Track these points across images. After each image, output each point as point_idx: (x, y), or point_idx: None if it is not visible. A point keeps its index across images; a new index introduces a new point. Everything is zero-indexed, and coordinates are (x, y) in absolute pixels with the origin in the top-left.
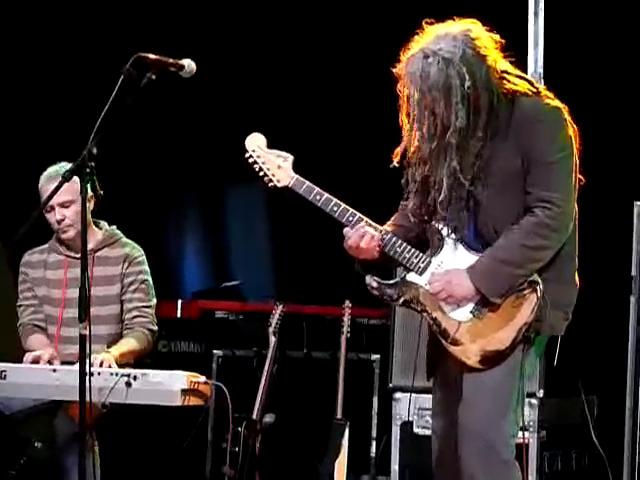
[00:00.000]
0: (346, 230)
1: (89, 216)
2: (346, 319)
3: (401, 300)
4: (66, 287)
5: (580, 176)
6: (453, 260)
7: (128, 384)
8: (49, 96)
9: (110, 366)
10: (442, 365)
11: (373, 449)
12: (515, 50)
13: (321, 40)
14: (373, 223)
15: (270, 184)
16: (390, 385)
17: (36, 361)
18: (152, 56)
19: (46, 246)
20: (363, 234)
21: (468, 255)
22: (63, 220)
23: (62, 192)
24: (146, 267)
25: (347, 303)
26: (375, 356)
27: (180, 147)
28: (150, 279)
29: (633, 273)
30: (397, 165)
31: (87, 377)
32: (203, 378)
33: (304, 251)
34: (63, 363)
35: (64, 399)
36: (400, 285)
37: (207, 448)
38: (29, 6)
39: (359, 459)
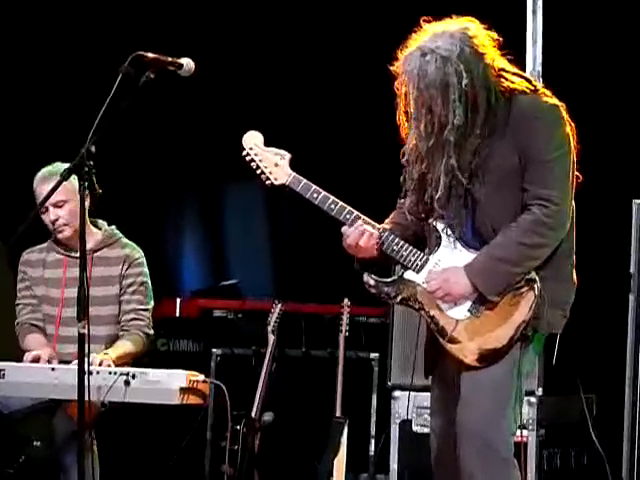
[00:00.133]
0: (344, 228)
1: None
2: (345, 317)
3: (399, 298)
4: (65, 286)
5: (577, 174)
6: (450, 258)
7: (127, 383)
8: (48, 95)
9: (109, 366)
10: (440, 363)
11: (372, 447)
12: (513, 48)
13: (319, 38)
14: (370, 221)
15: (267, 182)
16: (389, 383)
17: (36, 360)
18: (150, 55)
19: (45, 245)
20: (362, 232)
21: (466, 253)
22: (57, 220)
23: (55, 192)
24: (145, 269)
25: (346, 301)
26: (374, 354)
27: (179, 146)
28: (149, 281)
29: (632, 271)
30: (406, 165)
31: (86, 376)
32: (202, 377)
33: (303, 249)
34: (61, 363)
35: (63, 398)
36: (398, 283)
37: (206, 447)
38: (27, 5)
39: (358, 457)
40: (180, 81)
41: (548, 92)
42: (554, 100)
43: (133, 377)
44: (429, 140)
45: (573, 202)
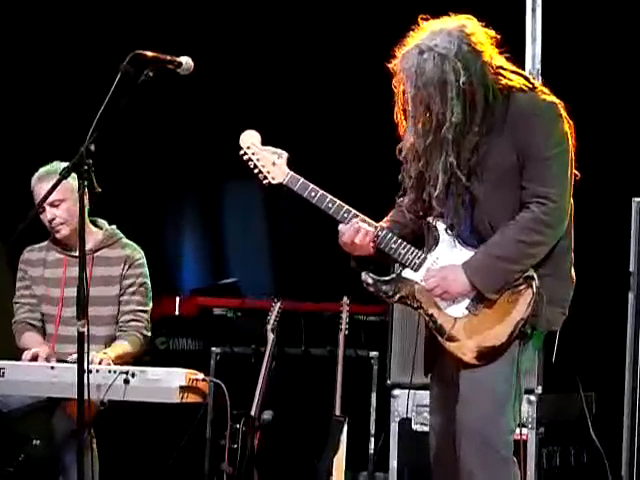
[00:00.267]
0: (341, 226)
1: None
2: (344, 316)
3: (397, 297)
4: (65, 286)
5: (575, 171)
6: (449, 256)
7: (126, 381)
8: (47, 94)
9: (109, 365)
10: (439, 362)
11: (372, 446)
12: (513, 46)
13: (316, 36)
14: (368, 219)
15: (265, 181)
16: (388, 382)
17: (34, 358)
18: (150, 53)
19: (45, 244)
20: (357, 230)
21: (464, 251)
22: (54, 219)
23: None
24: (146, 270)
25: (345, 300)
26: (373, 353)
27: (178, 144)
28: (149, 282)
29: (631, 269)
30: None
31: (85, 374)
32: (201, 375)
33: (302, 248)
34: (61, 362)
35: (62, 396)
36: (396, 281)
37: (205, 445)
38: (27, 4)
39: (358, 456)
40: (179, 80)
41: (546, 90)
42: (552, 98)
43: (132, 376)
44: (427, 138)
45: (572, 200)
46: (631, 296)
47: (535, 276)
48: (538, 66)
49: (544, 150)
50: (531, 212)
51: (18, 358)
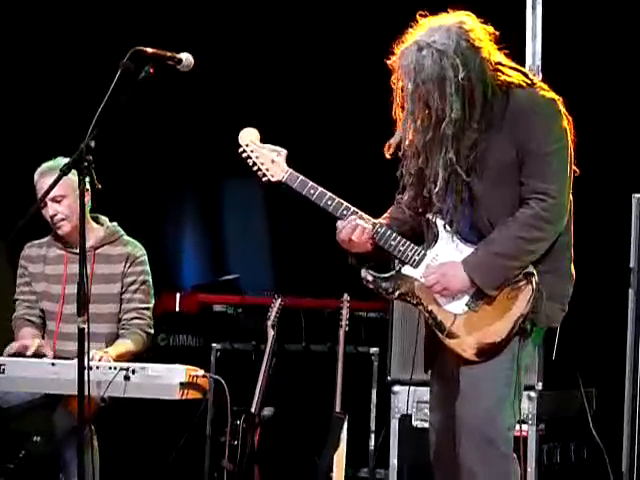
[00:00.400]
0: (338, 223)
1: (86, 210)
2: (345, 312)
3: (396, 293)
4: (66, 283)
5: (575, 168)
6: (448, 252)
7: (126, 378)
8: (48, 90)
9: (109, 361)
10: (439, 358)
11: (372, 442)
12: (513, 43)
13: (315, 33)
14: (367, 216)
15: (264, 179)
16: (389, 378)
17: (23, 349)
18: (150, 50)
19: (45, 240)
20: (355, 227)
21: (463, 247)
22: (55, 215)
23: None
24: (147, 267)
25: (345, 296)
26: (374, 349)
27: (178, 141)
28: (150, 280)
29: (631, 265)
30: (390, 157)
31: (85, 371)
32: (202, 372)
33: (302, 244)
34: (62, 359)
35: (63, 393)
36: (395, 278)
37: (206, 442)
38: (27, 1)
39: (358, 452)
40: (179, 76)
41: (545, 86)
42: (551, 94)
43: (133, 372)
44: (426, 134)
45: (571, 196)
46: (631, 292)
47: (535, 272)
48: (538, 63)
49: (543, 146)
50: (530, 208)
51: (18, 355)
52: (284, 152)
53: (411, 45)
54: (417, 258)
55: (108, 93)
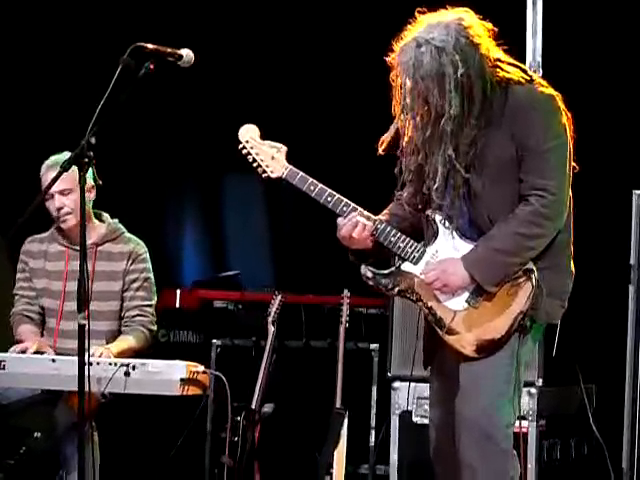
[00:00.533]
0: (339, 220)
1: (89, 207)
2: (345, 308)
3: (396, 290)
4: (66, 280)
5: (574, 164)
6: (448, 249)
7: (127, 374)
8: (49, 86)
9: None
10: (439, 355)
11: (372, 438)
12: (513, 39)
13: (315, 30)
14: (367, 213)
15: (264, 175)
16: (389, 374)
17: (23, 352)
18: (150, 46)
19: (46, 235)
20: (355, 224)
21: (463, 244)
22: (62, 208)
23: (62, 180)
24: (149, 265)
25: (346, 292)
26: (374, 345)
27: (179, 137)
28: (152, 277)
29: (632, 262)
30: (383, 153)
31: (86, 367)
32: (202, 368)
33: (303, 241)
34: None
35: (63, 389)
36: (395, 275)
37: (206, 438)
38: None
39: (358, 448)
40: (180, 72)
41: (544, 82)
42: (550, 90)
43: (133, 368)
44: (426, 131)
45: (571, 192)
46: (631, 289)
47: (534, 269)
48: (539, 59)
49: (542, 142)
50: (530, 205)
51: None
52: (284, 148)
53: (410, 42)
54: (417, 255)
55: (109, 89)
